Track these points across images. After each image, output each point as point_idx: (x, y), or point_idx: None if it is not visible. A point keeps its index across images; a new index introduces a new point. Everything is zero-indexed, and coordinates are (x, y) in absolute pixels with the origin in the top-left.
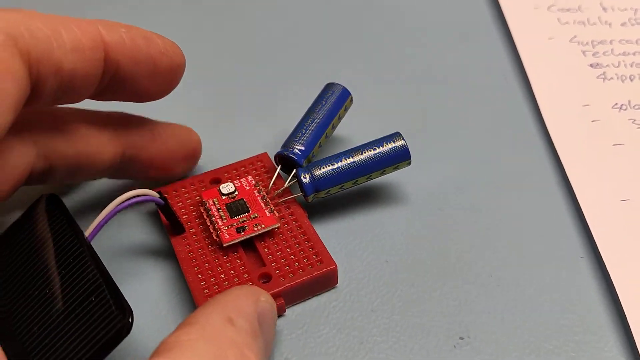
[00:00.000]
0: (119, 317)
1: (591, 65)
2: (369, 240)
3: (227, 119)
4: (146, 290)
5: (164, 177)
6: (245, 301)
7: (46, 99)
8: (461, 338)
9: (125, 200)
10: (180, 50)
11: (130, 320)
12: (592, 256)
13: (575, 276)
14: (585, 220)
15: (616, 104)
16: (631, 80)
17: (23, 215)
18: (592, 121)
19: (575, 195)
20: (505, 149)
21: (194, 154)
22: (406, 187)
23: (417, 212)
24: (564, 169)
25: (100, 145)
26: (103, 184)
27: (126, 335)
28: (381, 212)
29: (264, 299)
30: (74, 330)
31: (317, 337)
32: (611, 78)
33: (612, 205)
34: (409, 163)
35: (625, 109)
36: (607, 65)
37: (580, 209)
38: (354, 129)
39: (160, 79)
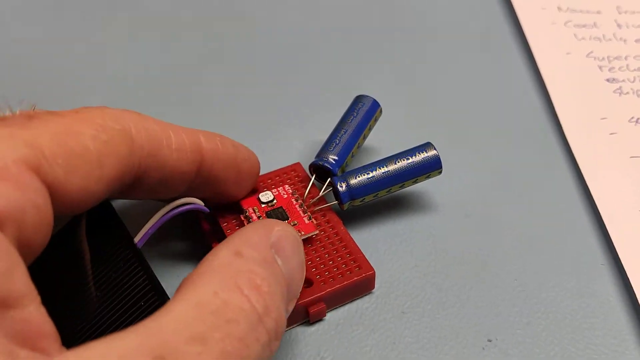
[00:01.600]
0: None
1: (607, 80)
2: (399, 245)
3: (261, 132)
4: None
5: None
6: (255, 233)
7: (146, 190)
8: (489, 340)
9: (175, 208)
10: (256, 156)
11: None
12: (612, 263)
13: (596, 283)
14: (606, 228)
15: (632, 117)
16: None
17: (73, 219)
18: (610, 134)
19: (595, 204)
20: (527, 160)
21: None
22: (434, 195)
23: (444, 218)
24: (584, 179)
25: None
26: None
27: None
28: (411, 218)
29: (280, 228)
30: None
31: (351, 337)
32: (627, 92)
33: (631, 214)
34: (440, 172)
35: None
36: (623, 80)
37: (601, 218)
38: (384, 139)
39: (241, 181)
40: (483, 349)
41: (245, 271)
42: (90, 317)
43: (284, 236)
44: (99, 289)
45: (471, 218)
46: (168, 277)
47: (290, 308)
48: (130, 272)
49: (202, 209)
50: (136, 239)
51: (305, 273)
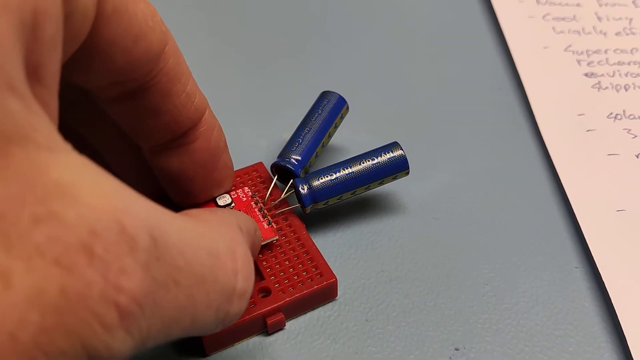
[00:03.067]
0: None
1: (586, 75)
2: (364, 249)
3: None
4: None
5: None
6: (250, 223)
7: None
8: (456, 349)
9: None
10: (233, 174)
11: None
12: (587, 266)
13: (570, 286)
14: (580, 230)
15: (611, 113)
16: (626, 89)
17: None
18: (587, 130)
19: (570, 205)
20: (500, 158)
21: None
22: (401, 196)
23: (412, 221)
24: (559, 178)
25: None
26: None
27: None
28: (377, 221)
29: (258, 233)
30: None
31: (311, 348)
32: (606, 87)
33: (608, 215)
34: (407, 173)
35: (620, 119)
36: (602, 75)
37: (576, 218)
38: (350, 137)
39: (210, 182)
40: (450, 358)
41: (244, 249)
42: None
43: (257, 243)
44: None
45: (440, 221)
46: None
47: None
48: None
49: None
50: None
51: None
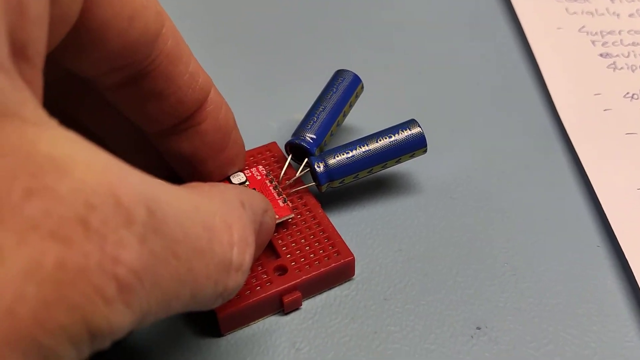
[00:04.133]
0: None
1: (601, 55)
2: (381, 228)
3: (233, 109)
4: None
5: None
6: (259, 202)
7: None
8: (478, 328)
9: None
10: (244, 152)
11: None
12: (609, 245)
13: (592, 265)
14: (602, 208)
15: (627, 93)
16: None
17: None
18: (604, 110)
19: (590, 184)
20: (518, 138)
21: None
22: (418, 176)
23: (430, 200)
24: (578, 157)
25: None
26: None
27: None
28: (393, 200)
29: (270, 214)
30: None
31: (329, 327)
32: (621, 68)
33: (629, 193)
34: (425, 151)
35: (636, 98)
36: (617, 55)
37: (596, 197)
38: (365, 117)
39: (221, 162)
40: (472, 337)
41: (243, 223)
42: None
43: (268, 223)
44: None
45: (457, 200)
46: None
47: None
48: None
49: None
50: None
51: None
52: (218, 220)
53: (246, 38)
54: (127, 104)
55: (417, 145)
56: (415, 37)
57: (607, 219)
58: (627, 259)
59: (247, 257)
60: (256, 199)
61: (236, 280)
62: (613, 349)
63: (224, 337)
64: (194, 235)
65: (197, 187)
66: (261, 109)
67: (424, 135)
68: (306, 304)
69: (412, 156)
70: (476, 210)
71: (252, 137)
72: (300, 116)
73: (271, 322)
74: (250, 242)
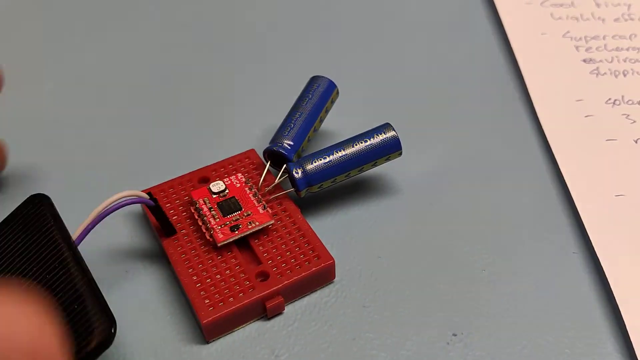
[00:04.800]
0: (102, 328)
1: (584, 61)
2: (360, 233)
3: (210, 117)
4: (136, 292)
5: None
6: (20, 326)
7: None
8: (454, 335)
9: (114, 202)
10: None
11: (113, 331)
12: (586, 251)
13: (568, 272)
14: (579, 215)
15: (609, 99)
16: (624, 75)
17: (11, 214)
18: (586, 116)
19: (568, 190)
20: (497, 144)
21: None
22: (395, 177)
23: (409, 207)
24: (557, 163)
25: None
26: (98, 185)
27: (108, 347)
28: (372, 203)
29: (50, 332)
30: None
31: (308, 334)
32: (604, 73)
33: (606, 200)
34: (400, 154)
35: (618, 104)
36: (601, 61)
37: (574, 204)
38: (341, 122)
39: None
40: (448, 343)
41: None
42: None
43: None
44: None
45: (435, 206)
46: (115, 272)
47: None
48: (65, 272)
49: (145, 202)
50: (74, 237)
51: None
52: None
53: (223, 44)
54: None
55: (392, 148)
56: (393, 40)
57: (584, 226)
58: (603, 266)
59: None
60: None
61: None
62: (588, 355)
63: (209, 344)
64: None
65: None
66: (239, 116)
67: (398, 139)
68: (288, 309)
69: (387, 159)
70: (455, 216)
71: (234, 144)
72: (277, 122)
73: (251, 329)
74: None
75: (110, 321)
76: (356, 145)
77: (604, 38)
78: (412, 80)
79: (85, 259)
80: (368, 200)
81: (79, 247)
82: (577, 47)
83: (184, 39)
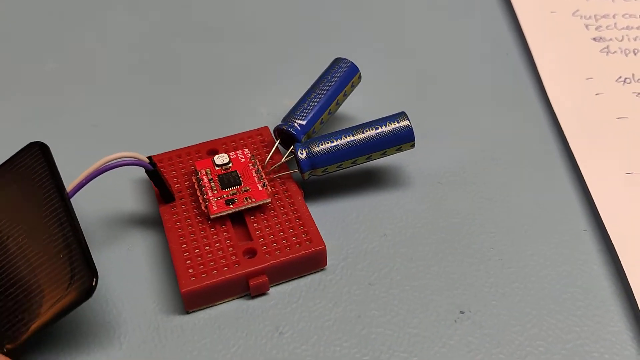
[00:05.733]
0: (83, 279)
1: (594, 39)
2: (367, 213)
3: (232, 91)
4: (127, 255)
5: None
6: None
7: None
8: (462, 312)
9: (112, 161)
10: None
11: (94, 284)
12: (597, 229)
13: (578, 250)
14: (589, 193)
15: (620, 77)
16: (635, 54)
17: (8, 160)
18: (596, 94)
19: (579, 168)
20: (507, 123)
21: None
22: (405, 164)
23: (416, 186)
24: (567, 142)
25: None
26: (103, 145)
27: (87, 299)
28: (380, 187)
29: None
30: (37, 284)
31: (312, 311)
32: (614, 52)
33: (617, 178)
34: (413, 145)
35: (629, 82)
36: (611, 39)
37: (584, 182)
38: (361, 107)
39: None
40: (455, 321)
41: None
42: (7, 266)
43: None
44: (21, 236)
45: (445, 185)
46: (110, 234)
47: None
48: (55, 222)
49: (143, 165)
50: (68, 189)
51: None
52: None
53: (240, 24)
54: None
55: (404, 138)
56: (409, 24)
57: (595, 204)
58: (614, 244)
59: None
60: None
61: None
62: (597, 333)
63: (189, 314)
64: None
65: None
66: (250, 94)
67: (411, 129)
68: (290, 287)
69: (399, 149)
70: (463, 196)
71: (250, 120)
72: (291, 102)
73: (254, 305)
74: None
75: (93, 274)
76: (366, 131)
77: (614, 17)
78: (425, 65)
79: (84, 217)
80: (377, 184)
81: (76, 202)
82: (586, 26)
83: (211, 13)
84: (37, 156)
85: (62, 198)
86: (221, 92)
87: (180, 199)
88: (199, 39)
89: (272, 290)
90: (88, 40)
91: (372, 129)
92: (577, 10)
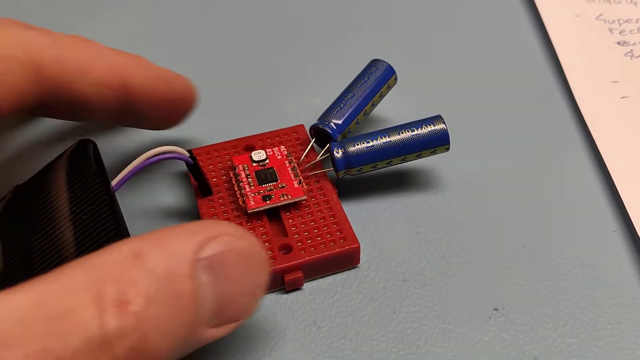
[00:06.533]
0: None
1: (618, 43)
2: (400, 212)
3: (262, 89)
4: None
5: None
6: (181, 237)
7: (56, 115)
8: (495, 309)
9: (154, 156)
10: (196, 92)
11: None
12: (625, 230)
13: (608, 250)
14: (619, 194)
15: None
16: None
17: (58, 157)
18: (622, 97)
19: (607, 169)
20: (536, 125)
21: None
22: (436, 162)
23: (448, 185)
24: (595, 144)
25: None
26: (144, 139)
27: None
28: (414, 187)
29: (230, 238)
30: None
31: (349, 306)
32: (639, 56)
33: None
34: (448, 148)
35: None
36: (634, 43)
37: (613, 183)
38: (395, 110)
39: (173, 117)
40: (489, 318)
41: (125, 280)
42: (53, 257)
43: (231, 250)
44: (68, 229)
45: (476, 185)
46: (150, 225)
47: (218, 332)
48: (100, 215)
49: (183, 159)
50: (113, 183)
51: (261, 296)
52: (77, 298)
53: (297, 20)
54: (53, 117)
55: (439, 141)
56: (442, 29)
57: (624, 205)
58: None
59: (131, 316)
60: (181, 238)
61: (128, 345)
62: (629, 330)
63: None
64: (25, 340)
65: (61, 270)
66: (279, 93)
67: (447, 132)
68: (327, 283)
69: (433, 152)
70: (494, 195)
71: (288, 117)
72: (319, 101)
73: (292, 299)
74: (135, 297)
75: None
76: (402, 133)
77: (637, 21)
78: (458, 70)
79: (124, 208)
80: (409, 183)
81: (120, 195)
82: (610, 30)
83: (255, 12)
84: (84, 153)
85: (107, 193)
86: (251, 90)
87: (218, 193)
88: (229, 38)
89: (308, 286)
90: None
91: (408, 131)
92: (601, 15)
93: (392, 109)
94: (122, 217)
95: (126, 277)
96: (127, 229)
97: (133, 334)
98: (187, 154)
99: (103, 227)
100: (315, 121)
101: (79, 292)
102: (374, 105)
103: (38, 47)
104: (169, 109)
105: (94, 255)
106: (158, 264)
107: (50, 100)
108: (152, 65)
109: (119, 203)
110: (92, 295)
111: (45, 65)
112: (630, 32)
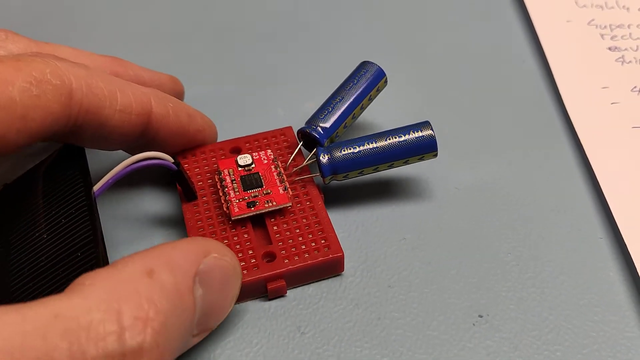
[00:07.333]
0: None
1: (609, 49)
2: (384, 218)
3: (250, 90)
4: None
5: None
6: (182, 254)
7: (85, 140)
8: (480, 316)
9: (138, 162)
10: (215, 128)
11: None
12: (612, 237)
13: (594, 257)
14: (605, 201)
15: (635, 87)
16: None
17: (42, 161)
18: (612, 103)
19: (595, 176)
20: (524, 131)
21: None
22: (422, 168)
23: (435, 191)
24: (584, 149)
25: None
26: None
27: None
28: (400, 193)
29: (217, 255)
30: (54, 281)
31: (333, 312)
32: (630, 61)
33: (632, 186)
34: (435, 155)
35: None
36: (626, 49)
37: (601, 190)
38: (385, 114)
39: (189, 145)
40: (473, 324)
41: (142, 297)
42: (30, 260)
43: (217, 266)
44: (45, 232)
45: (463, 192)
46: (132, 229)
47: (196, 340)
48: (78, 220)
49: (167, 165)
50: (95, 188)
51: (232, 307)
52: (95, 314)
53: (281, 24)
54: (77, 143)
55: (427, 148)
56: (428, 32)
57: (611, 212)
58: (629, 251)
59: (149, 333)
60: (178, 252)
61: None
62: (613, 338)
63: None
64: (42, 351)
65: (75, 286)
66: (268, 94)
67: (435, 139)
68: (311, 289)
69: (421, 159)
70: (480, 201)
71: (275, 119)
72: (309, 104)
73: (277, 305)
74: (153, 314)
75: None
76: (389, 139)
77: (628, 27)
78: (444, 74)
79: (110, 211)
80: (395, 190)
81: (106, 198)
82: (602, 35)
83: (245, 13)
84: (69, 157)
85: (87, 198)
86: (240, 91)
87: (203, 197)
88: (219, 39)
89: (294, 291)
90: (109, 34)
91: (396, 137)
92: (593, 20)
93: (380, 112)
94: (100, 223)
95: (143, 294)
96: (102, 236)
97: (153, 351)
98: (172, 160)
99: (79, 232)
100: (304, 124)
101: (97, 308)
102: (363, 109)
103: (71, 75)
104: (188, 140)
105: (107, 271)
106: (168, 279)
107: (79, 125)
108: (174, 99)
109: (104, 206)
110: (110, 311)
111: (76, 90)
112: (622, 37)
